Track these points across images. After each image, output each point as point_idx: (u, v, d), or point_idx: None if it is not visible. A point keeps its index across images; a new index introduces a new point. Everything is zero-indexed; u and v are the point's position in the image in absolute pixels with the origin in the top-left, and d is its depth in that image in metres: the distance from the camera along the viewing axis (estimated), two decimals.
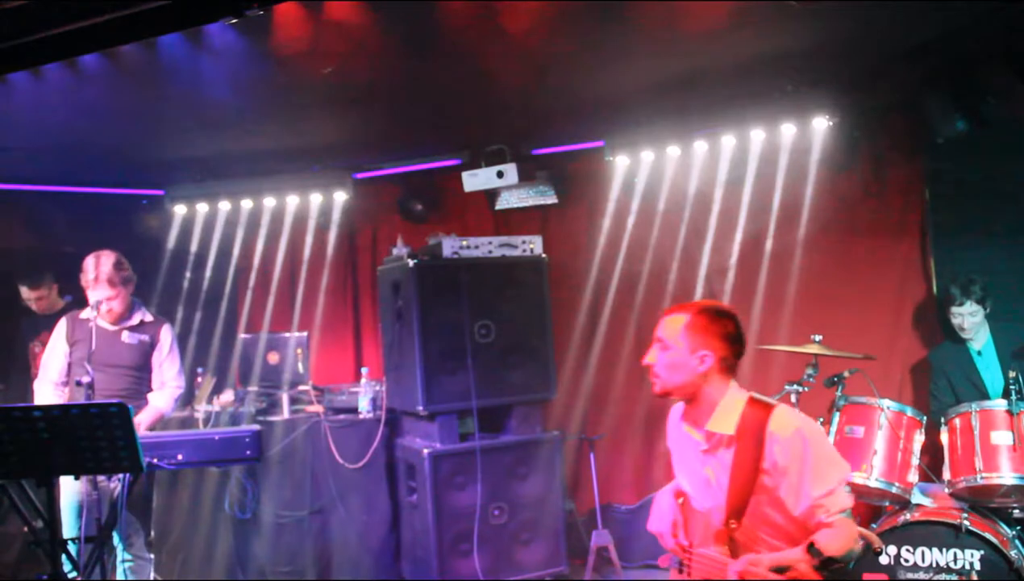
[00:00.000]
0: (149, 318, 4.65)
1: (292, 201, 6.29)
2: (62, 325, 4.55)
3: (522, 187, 5.99)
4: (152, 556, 4.45)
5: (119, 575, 4.41)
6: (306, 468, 5.40)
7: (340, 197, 6.27)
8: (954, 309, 4.72)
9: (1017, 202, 4.94)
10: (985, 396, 4.65)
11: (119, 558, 4.34)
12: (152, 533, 4.44)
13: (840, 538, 2.59)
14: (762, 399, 2.76)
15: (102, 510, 3.85)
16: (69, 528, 4.16)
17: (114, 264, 4.43)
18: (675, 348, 2.78)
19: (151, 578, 4.47)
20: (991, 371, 4.76)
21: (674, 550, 2.95)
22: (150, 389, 4.61)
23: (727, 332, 2.78)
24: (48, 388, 4.48)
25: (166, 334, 4.67)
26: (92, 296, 4.38)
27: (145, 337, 4.58)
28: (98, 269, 4.38)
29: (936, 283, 5.20)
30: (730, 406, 2.76)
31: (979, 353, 4.78)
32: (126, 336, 4.52)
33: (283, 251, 6.55)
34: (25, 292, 5.64)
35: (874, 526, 4.25)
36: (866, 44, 4.45)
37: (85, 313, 4.50)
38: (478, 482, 5.03)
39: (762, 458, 2.65)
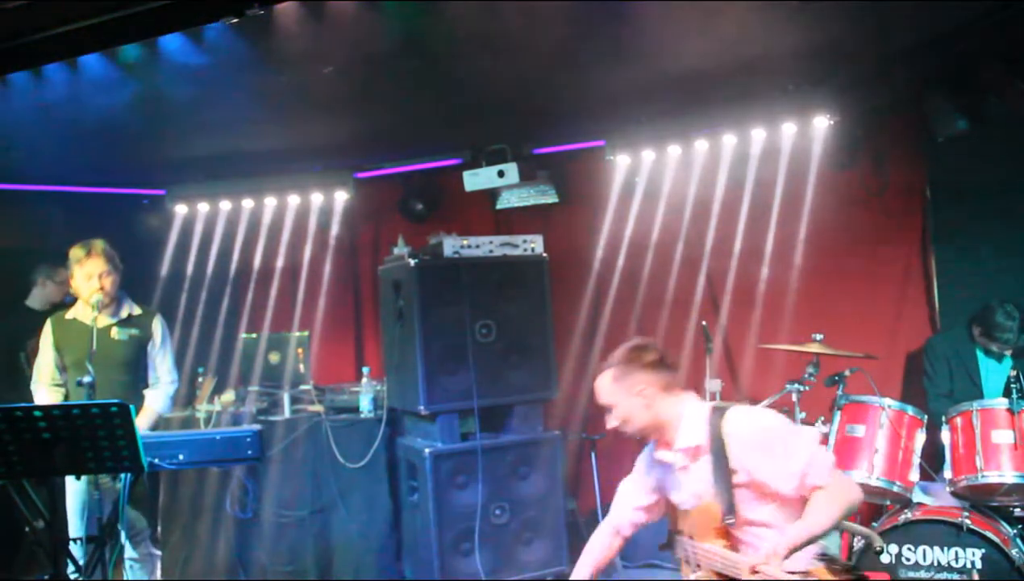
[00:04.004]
0: (137, 311, 4.57)
1: (293, 201, 6.29)
2: (47, 329, 4.51)
3: (523, 186, 5.99)
4: (160, 552, 4.44)
5: (126, 573, 4.40)
6: (307, 468, 5.39)
7: (341, 197, 6.26)
8: (995, 348, 4.67)
9: (1018, 201, 4.94)
10: (980, 393, 4.65)
11: (126, 555, 4.33)
12: (159, 529, 4.42)
13: (838, 495, 2.65)
14: (721, 405, 2.88)
15: (104, 510, 3.85)
16: (75, 528, 4.16)
17: (105, 242, 4.42)
18: (618, 404, 2.95)
19: (158, 575, 4.45)
20: (992, 371, 4.76)
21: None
22: (146, 385, 4.56)
23: (647, 362, 2.92)
24: (43, 391, 4.46)
25: (158, 325, 4.60)
26: (86, 272, 4.33)
27: (135, 331, 4.51)
28: (89, 245, 4.37)
29: (938, 297, 5.20)
30: (693, 419, 2.88)
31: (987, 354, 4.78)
32: (116, 333, 4.45)
33: (284, 251, 6.53)
34: (48, 279, 5.66)
35: (875, 525, 4.26)
36: (866, 43, 4.45)
37: (71, 314, 4.48)
38: (479, 482, 5.02)
39: (729, 459, 2.75)
